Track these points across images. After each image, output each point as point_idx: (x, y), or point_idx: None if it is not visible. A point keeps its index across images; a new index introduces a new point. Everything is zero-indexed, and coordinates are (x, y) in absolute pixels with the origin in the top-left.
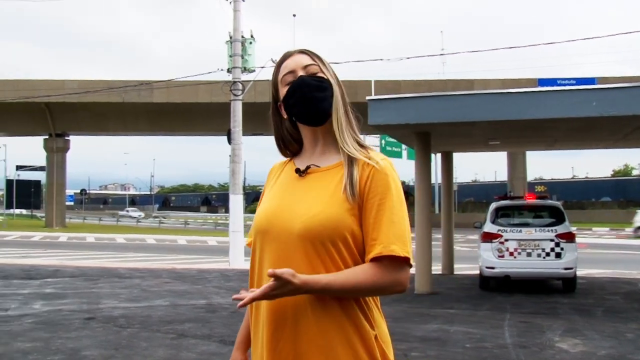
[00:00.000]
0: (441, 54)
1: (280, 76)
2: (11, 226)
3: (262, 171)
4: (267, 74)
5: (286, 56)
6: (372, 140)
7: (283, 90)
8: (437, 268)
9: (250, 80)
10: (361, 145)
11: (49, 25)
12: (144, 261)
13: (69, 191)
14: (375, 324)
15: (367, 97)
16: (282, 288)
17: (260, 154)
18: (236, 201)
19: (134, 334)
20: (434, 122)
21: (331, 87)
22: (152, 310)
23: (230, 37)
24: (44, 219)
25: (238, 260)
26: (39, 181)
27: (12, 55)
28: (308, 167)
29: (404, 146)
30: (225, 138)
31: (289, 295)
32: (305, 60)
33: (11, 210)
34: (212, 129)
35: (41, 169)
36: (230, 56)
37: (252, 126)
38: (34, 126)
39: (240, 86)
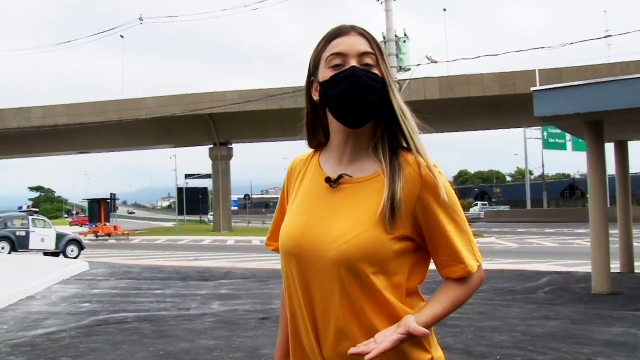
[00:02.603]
0: (606, 36)
1: (326, 54)
2: (183, 231)
3: None
4: (422, 72)
5: (339, 32)
6: (534, 133)
7: (325, 72)
8: (614, 266)
9: (407, 79)
10: (411, 149)
11: (211, 42)
12: None
13: (234, 197)
14: (431, 347)
15: (532, 88)
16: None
17: None
18: None
19: None
20: (608, 110)
21: (382, 88)
22: None
23: (384, 37)
24: (212, 223)
25: None
26: (206, 188)
27: (179, 72)
28: (340, 177)
29: (568, 137)
30: None
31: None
32: (363, 45)
33: (182, 217)
34: None
35: (208, 176)
36: None
37: None
38: (200, 137)
39: (397, 86)
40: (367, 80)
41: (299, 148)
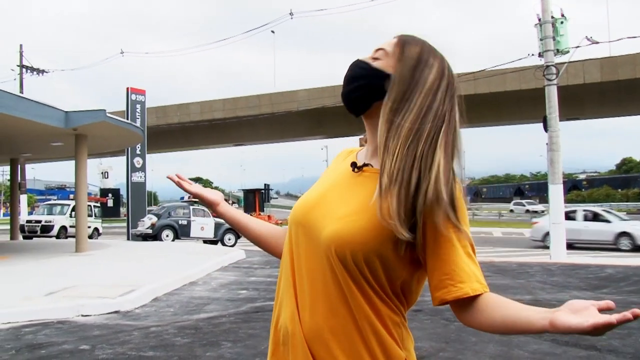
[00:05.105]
0: None
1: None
2: None
3: (578, 158)
4: (581, 54)
5: None
6: None
7: None
8: None
9: (564, 62)
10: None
11: (359, 32)
12: None
13: None
14: (404, 346)
15: None
16: None
17: (576, 139)
18: (556, 191)
19: (461, 328)
20: None
21: (373, 77)
22: None
23: (539, 20)
24: None
25: (560, 254)
26: None
27: (328, 64)
28: (365, 165)
29: None
30: (535, 125)
31: None
32: (384, 43)
33: None
34: (522, 117)
35: None
36: (541, 39)
37: (566, 110)
38: (350, 127)
39: (553, 70)
40: (353, 67)
41: None
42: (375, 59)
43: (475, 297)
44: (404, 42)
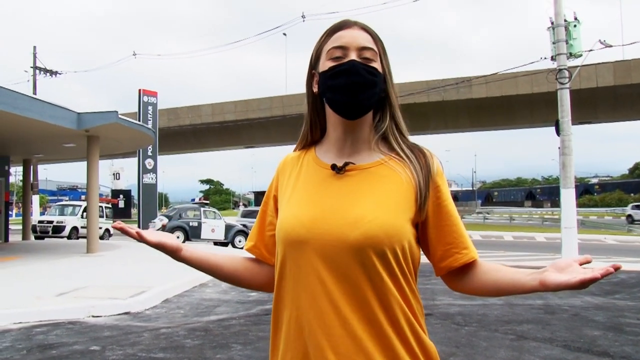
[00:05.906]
0: None
1: (327, 46)
2: None
3: (590, 162)
4: (594, 58)
5: (342, 25)
6: None
7: (325, 64)
8: None
9: (577, 66)
10: (408, 142)
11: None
12: None
13: None
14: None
15: None
16: None
17: (588, 143)
18: (568, 195)
19: (472, 333)
20: None
21: (381, 82)
22: (488, 308)
23: (552, 23)
24: None
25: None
26: None
27: None
28: (346, 164)
29: None
30: (547, 129)
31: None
32: (364, 40)
33: None
34: (534, 121)
35: None
36: (554, 43)
37: (579, 114)
38: None
39: (566, 73)
40: (364, 74)
41: (458, 139)
42: (367, 59)
43: (472, 263)
44: (379, 37)
